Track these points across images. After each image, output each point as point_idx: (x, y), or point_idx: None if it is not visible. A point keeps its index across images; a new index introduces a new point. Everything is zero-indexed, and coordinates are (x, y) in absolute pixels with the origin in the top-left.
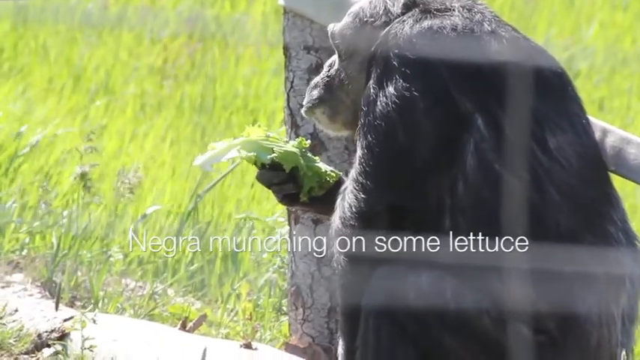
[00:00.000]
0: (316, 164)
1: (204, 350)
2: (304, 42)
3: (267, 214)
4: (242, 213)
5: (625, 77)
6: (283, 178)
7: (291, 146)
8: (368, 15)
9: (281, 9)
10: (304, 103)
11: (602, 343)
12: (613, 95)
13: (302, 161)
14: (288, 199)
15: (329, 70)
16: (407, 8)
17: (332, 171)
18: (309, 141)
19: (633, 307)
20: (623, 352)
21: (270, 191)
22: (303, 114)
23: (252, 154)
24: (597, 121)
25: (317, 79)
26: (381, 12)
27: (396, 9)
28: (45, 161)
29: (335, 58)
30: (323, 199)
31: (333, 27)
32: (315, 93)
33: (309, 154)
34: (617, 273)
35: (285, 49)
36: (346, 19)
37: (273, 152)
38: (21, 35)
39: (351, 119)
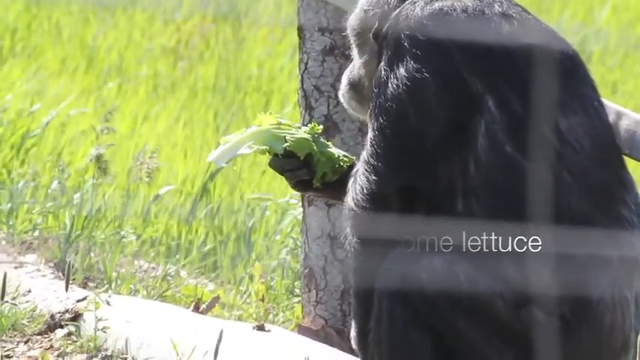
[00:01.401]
0: (329, 149)
1: (221, 332)
2: (319, 23)
3: (281, 195)
4: (255, 194)
5: (638, 61)
6: (296, 165)
7: (304, 132)
8: (372, 3)
9: None
10: (340, 89)
11: (616, 326)
12: (626, 78)
13: (315, 147)
14: (301, 185)
15: (355, 60)
16: None
17: (345, 155)
18: (321, 126)
19: None
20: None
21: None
22: (342, 101)
23: (264, 147)
24: (611, 104)
25: (349, 67)
26: None
27: None
28: (58, 142)
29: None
30: (336, 184)
31: (347, 21)
32: (345, 80)
33: (322, 140)
34: (631, 256)
35: (300, 30)
36: (357, 8)
37: (286, 141)
38: (34, 15)
39: None
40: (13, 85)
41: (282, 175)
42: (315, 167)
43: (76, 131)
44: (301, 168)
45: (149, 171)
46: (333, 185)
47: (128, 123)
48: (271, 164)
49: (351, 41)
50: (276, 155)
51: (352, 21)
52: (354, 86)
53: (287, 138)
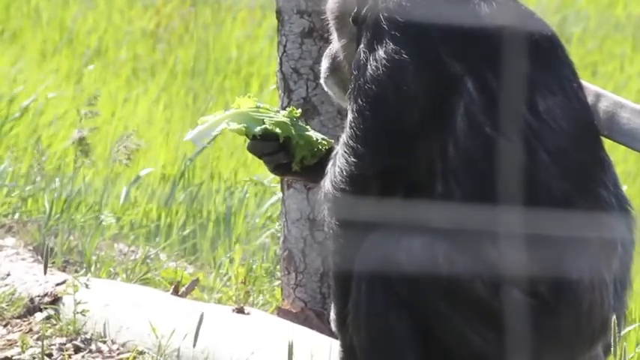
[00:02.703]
0: (308, 133)
1: (201, 315)
2: (297, 6)
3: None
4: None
5: (617, 42)
6: (274, 148)
7: (282, 116)
8: None
9: None
10: (321, 73)
11: (594, 307)
12: (606, 60)
13: (293, 131)
14: (280, 169)
15: (333, 44)
16: None
17: (324, 139)
18: (299, 110)
19: (625, 272)
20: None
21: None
22: (324, 85)
23: (241, 126)
24: (590, 86)
25: (326, 50)
26: None
27: None
28: (37, 125)
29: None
30: (315, 168)
31: (327, 3)
32: (325, 64)
33: (301, 123)
34: (609, 237)
35: (278, 13)
36: None
37: (264, 123)
38: None
39: None
40: None
41: (260, 159)
42: (294, 150)
43: (55, 114)
44: (279, 151)
45: (128, 152)
46: (312, 169)
47: (108, 106)
48: (249, 148)
49: (331, 25)
50: (254, 139)
51: (331, 4)
52: (335, 70)
53: (265, 121)
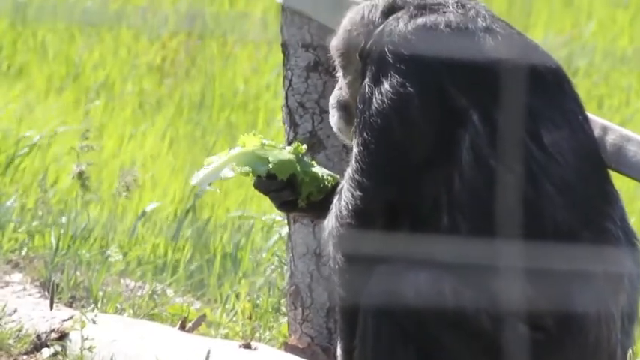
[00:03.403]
0: (313, 169)
1: (208, 352)
2: (302, 40)
3: (268, 212)
4: (239, 211)
5: (623, 75)
6: (280, 186)
7: (287, 152)
8: (359, 20)
9: (279, 7)
10: (333, 121)
11: (601, 341)
12: (612, 93)
13: (298, 168)
14: (286, 206)
15: (339, 84)
16: (398, 8)
17: (329, 175)
18: (305, 145)
19: (632, 306)
20: (629, 351)
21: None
22: (336, 131)
23: (247, 169)
24: (597, 119)
25: (334, 92)
26: (371, 14)
27: (386, 10)
28: (44, 160)
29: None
30: (322, 204)
31: (330, 42)
32: (332, 103)
33: (306, 159)
34: (616, 271)
35: (284, 46)
36: (339, 32)
37: (269, 162)
38: (20, 33)
39: None
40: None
41: (266, 196)
42: (300, 187)
43: (62, 149)
44: (285, 189)
45: (127, 185)
46: (318, 205)
47: (114, 141)
48: (256, 186)
49: (336, 63)
50: (260, 177)
51: (336, 42)
52: (343, 108)
53: (270, 159)
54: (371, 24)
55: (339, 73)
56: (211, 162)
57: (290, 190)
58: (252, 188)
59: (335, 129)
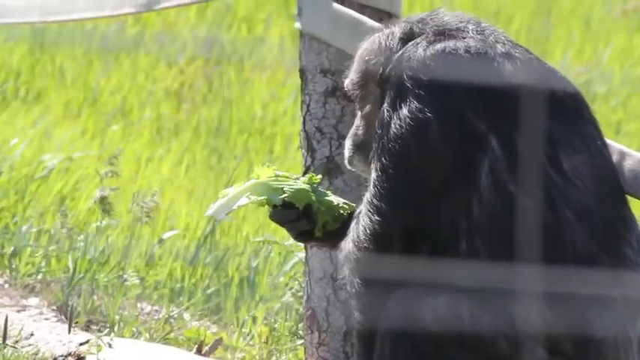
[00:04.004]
0: (328, 198)
1: None
2: (320, 65)
3: (286, 237)
4: (260, 237)
5: None
6: (297, 216)
7: (302, 182)
8: (376, 48)
9: (298, 32)
10: (345, 155)
11: None
12: (630, 118)
13: (313, 197)
14: (303, 236)
15: (356, 121)
16: (415, 35)
17: (345, 203)
18: (319, 175)
19: None
20: None
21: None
22: (348, 166)
23: (262, 198)
24: (615, 144)
25: (351, 130)
26: (388, 42)
27: (403, 36)
28: (62, 185)
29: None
30: (338, 232)
31: (345, 82)
32: (349, 143)
33: (321, 189)
34: (635, 296)
35: (302, 72)
36: (353, 67)
37: (284, 192)
38: (38, 59)
39: None
40: (17, 129)
41: (283, 227)
42: (316, 217)
43: (80, 174)
44: (301, 218)
45: (148, 210)
46: (335, 233)
47: (132, 166)
48: (271, 216)
49: (354, 96)
50: (275, 207)
51: (353, 75)
52: (359, 147)
53: (285, 189)
54: (388, 50)
55: (357, 109)
56: (226, 194)
57: (306, 220)
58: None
59: (352, 168)
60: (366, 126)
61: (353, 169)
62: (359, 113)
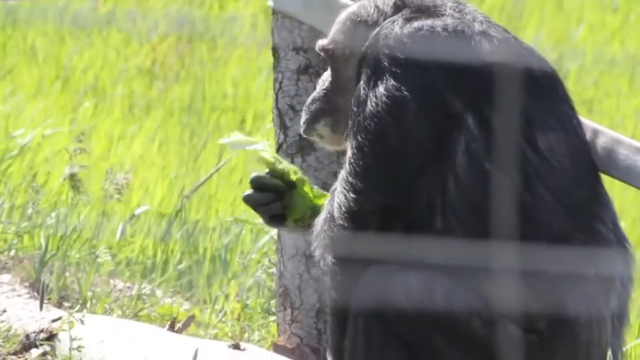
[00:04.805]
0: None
1: (196, 351)
2: (293, 43)
3: (255, 216)
4: (232, 216)
5: (614, 78)
6: (270, 199)
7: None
8: (358, 18)
9: (270, 10)
10: (302, 122)
11: (592, 343)
12: (602, 97)
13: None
14: (275, 220)
15: (324, 85)
16: (397, 9)
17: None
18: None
19: (623, 308)
20: (609, 352)
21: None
22: (303, 134)
23: (272, 157)
24: (588, 122)
25: (313, 95)
26: (371, 13)
27: (387, 9)
28: (33, 162)
29: (327, 73)
30: (310, 225)
31: (320, 42)
32: (315, 106)
33: (316, 188)
34: (607, 274)
35: (274, 49)
36: (335, 27)
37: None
38: (9, 36)
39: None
40: None
41: (255, 210)
42: (291, 207)
43: (51, 151)
44: (275, 202)
45: (119, 188)
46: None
47: (104, 143)
48: (245, 198)
49: (331, 60)
50: (250, 192)
51: (327, 42)
52: (326, 112)
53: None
54: (365, 26)
55: (328, 74)
56: (237, 134)
57: (280, 203)
58: (240, 191)
59: (304, 133)
60: (335, 93)
61: (311, 136)
62: (328, 78)
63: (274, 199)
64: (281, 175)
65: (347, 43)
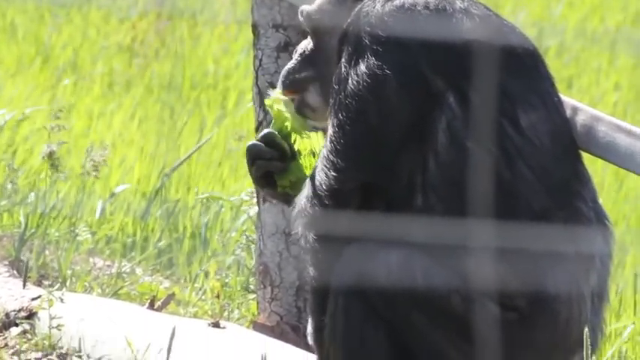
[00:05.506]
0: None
1: (174, 329)
2: (273, 20)
3: (234, 194)
4: (205, 193)
5: (593, 55)
6: (272, 155)
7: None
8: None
9: None
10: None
11: (572, 321)
12: (582, 73)
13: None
14: (264, 179)
15: (304, 52)
16: None
17: None
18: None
19: (603, 286)
20: (586, 329)
21: (242, 172)
22: (295, 110)
23: (288, 115)
24: (567, 99)
25: (291, 64)
26: None
27: None
28: (13, 140)
29: (305, 42)
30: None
31: (306, 8)
32: (302, 74)
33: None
34: (588, 252)
35: (254, 27)
36: (314, 6)
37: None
38: None
39: None
40: None
41: (252, 163)
42: (289, 170)
43: (30, 130)
44: (275, 160)
45: (96, 164)
46: (292, 195)
47: (83, 121)
48: (249, 147)
49: (313, 31)
50: (255, 142)
51: (323, 7)
52: (314, 77)
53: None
54: (346, 2)
55: (311, 42)
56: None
57: (279, 164)
58: (220, 170)
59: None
60: (317, 60)
61: (300, 114)
62: (309, 46)
63: (277, 158)
64: (286, 138)
65: (333, 15)
